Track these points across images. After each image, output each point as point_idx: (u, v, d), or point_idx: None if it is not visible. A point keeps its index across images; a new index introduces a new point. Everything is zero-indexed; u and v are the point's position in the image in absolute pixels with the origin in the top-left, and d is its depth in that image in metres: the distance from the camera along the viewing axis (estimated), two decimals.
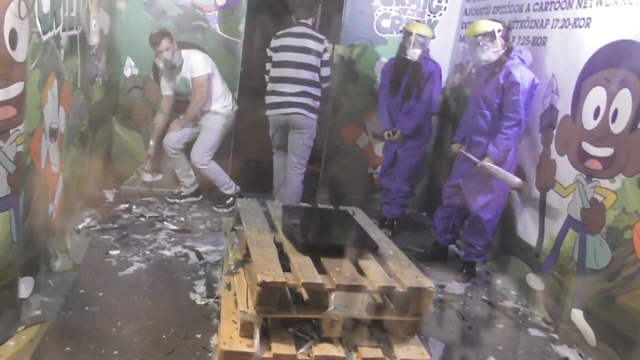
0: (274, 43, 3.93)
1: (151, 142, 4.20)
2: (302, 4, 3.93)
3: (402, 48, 3.78)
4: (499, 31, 3.10)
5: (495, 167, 3.13)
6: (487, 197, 3.28)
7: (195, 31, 4.15)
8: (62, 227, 2.98)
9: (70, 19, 2.84)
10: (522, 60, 3.14)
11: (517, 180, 3.11)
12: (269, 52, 3.97)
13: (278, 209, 2.76)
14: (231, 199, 4.13)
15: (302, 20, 3.91)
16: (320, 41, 3.86)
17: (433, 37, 3.83)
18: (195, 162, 4.02)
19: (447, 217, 3.60)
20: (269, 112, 4.00)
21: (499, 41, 3.11)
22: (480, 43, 3.14)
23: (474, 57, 3.26)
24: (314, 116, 3.94)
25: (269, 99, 3.98)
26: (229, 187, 4.17)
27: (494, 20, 3.25)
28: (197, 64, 3.87)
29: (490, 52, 3.13)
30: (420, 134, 3.98)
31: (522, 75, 3.04)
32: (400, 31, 4.01)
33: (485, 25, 3.14)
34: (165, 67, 3.86)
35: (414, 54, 3.71)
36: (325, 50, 3.89)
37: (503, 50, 3.14)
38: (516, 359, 2.61)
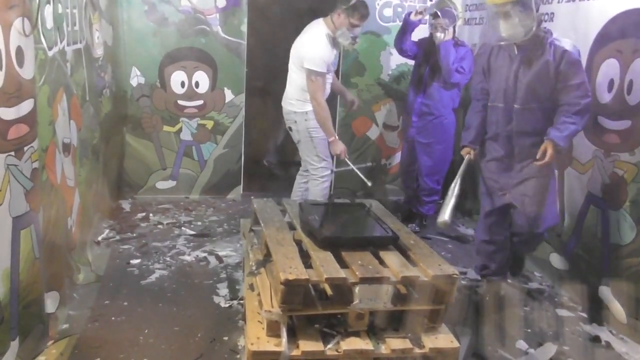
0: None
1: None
2: None
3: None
4: None
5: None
6: (549, 207, 2.81)
7: (198, 35, 4.16)
8: (82, 240, 3.01)
9: (74, 33, 2.86)
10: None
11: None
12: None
13: (295, 207, 2.75)
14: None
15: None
16: None
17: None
18: None
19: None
20: None
21: (535, 11, 2.45)
22: (511, 13, 2.47)
23: (497, 33, 2.59)
24: None
25: None
26: None
27: None
28: None
29: (524, 26, 2.46)
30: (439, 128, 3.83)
31: (577, 52, 2.55)
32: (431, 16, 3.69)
33: None
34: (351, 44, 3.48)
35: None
36: None
37: (535, 27, 2.49)
38: (546, 341, 2.58)
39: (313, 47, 3.30)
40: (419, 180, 3.96)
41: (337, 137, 3.45)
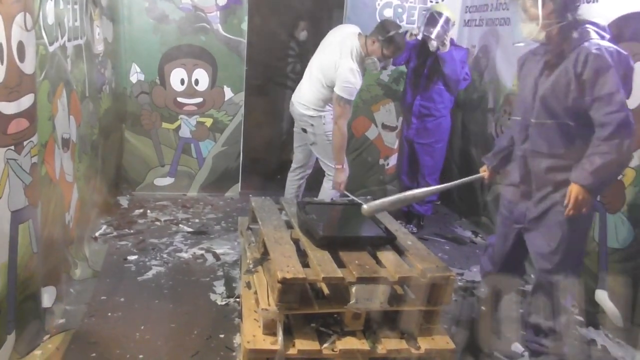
0: None
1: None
2: None
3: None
4: None
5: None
6: (573, 254, 2.25)
7: (199, 33, 4.15)
8: (79, 235, 3.01)
9: (75, 29, 2.85)
10: (601, 36, 2.08)
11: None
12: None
13: (293, 206, 2.75)
14: None
15: None
16: None
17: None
18: None
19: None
20: None
21: (554, 6, 2.04)
22: (528, 4, 2.07)
23: (520, 32, 2.17)
24: None
25: None
26: None
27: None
28: None
29: (545, 23, 2.05)
30: (439, 129, 3.87)
31: (610, 54, 1.99)
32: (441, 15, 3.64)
33: None
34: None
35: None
36: None
37: (567, 22, 2.07)
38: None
39: (349, 76, 3.18)
40: (420, 181, 3.96)
41: (344, 166, 3.36)
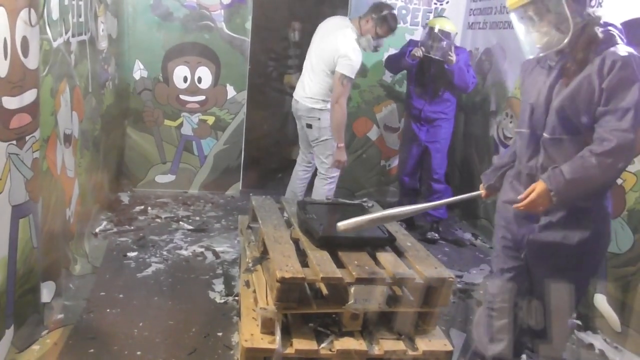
0: None
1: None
2: None
3: None
4: None
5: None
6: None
7: (202, 31, 4.16)
8: (80, 231, 3.02)
9: (79, 25, 2.86)
10: (620, 37, 1.81)
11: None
12: None
13: (293, 205, 2.75)
14: None
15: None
16: None
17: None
18: None
19: None
20: None
21: (568, 10, 1.76)
22: (535, 17, 1.82)
23: (531, 45, 1.93)
24: None
25: None
26: None
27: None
28: None
29: (560, 30, 1.79)
30: (449, 130, 3.94)
31: (637, 64, 1.71)
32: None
33: None
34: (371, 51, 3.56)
35: None
36: None
37: (581, 26, 1.79)
38: None
39: (350, 54, 3.25)
40: (432, 185, 3.92)
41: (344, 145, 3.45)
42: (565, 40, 1.78)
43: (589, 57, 1.78)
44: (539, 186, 1.79)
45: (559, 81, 1.86)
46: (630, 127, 1.69)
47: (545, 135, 1.89)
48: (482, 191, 2.21)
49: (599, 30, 1.79)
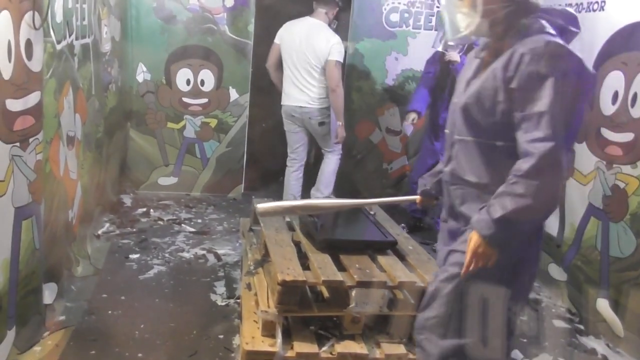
0: None
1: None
2: None
3: None
4: None
5: None
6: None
7: (205, 34, 4.17)
8: (82, 233, 3.02)
9: (83, 27, 2.87)
10: (558, 30, 1.50)
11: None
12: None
13: None
14: None
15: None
16: None
17: None
18: None
19: None
20: None
21: None
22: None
23: (448, 27, 1.63)
24: None
25: None
26: None
27: None
28: None
29: (472, 15, 1.51)
30: None
31: (555, 57, 1.41)
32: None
33: None
34: None
35: None
36: None
37: (506, 11, 1.49)
38: (542, 352, 2.58)
39: (337, 40, 3.59)
40: None
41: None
42: (479, 26, 1.50)
43: (503, 48, 1.51)
44: (472, 236, 1.49)
45: (476, 76, 1.61)
46: (549, 134, 1.38)
47: (455, 136, 1.64)
48: (417, 197, 1.91)
49: (525, 18, 1.49)
